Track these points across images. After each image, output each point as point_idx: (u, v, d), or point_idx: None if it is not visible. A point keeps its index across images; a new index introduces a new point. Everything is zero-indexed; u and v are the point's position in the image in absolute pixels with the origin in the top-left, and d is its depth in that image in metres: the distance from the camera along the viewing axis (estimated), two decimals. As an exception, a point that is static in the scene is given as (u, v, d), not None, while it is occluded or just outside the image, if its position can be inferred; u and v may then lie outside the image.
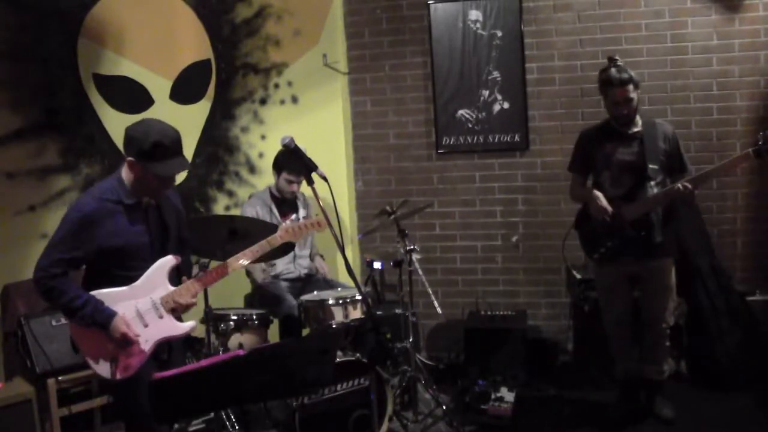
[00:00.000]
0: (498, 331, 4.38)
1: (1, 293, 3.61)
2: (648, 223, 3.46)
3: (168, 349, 2.77)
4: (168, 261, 2.73)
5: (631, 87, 3.40)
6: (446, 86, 4.87)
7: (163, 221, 2.77)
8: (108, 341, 2.60)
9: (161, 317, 2.69)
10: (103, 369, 2.61)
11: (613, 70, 3.44)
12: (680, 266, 3.68)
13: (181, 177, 4.33)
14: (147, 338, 2.65)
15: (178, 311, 2.74)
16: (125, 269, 2.65)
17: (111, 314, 2.58)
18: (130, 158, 2.59)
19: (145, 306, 2.67)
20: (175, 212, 2.86)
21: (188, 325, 2.76)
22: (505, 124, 4.82)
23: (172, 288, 2.72)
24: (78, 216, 2.56)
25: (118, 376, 2.60)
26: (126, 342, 2.60)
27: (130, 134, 2.59)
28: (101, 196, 2.61)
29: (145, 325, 2.65)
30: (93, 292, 2.60)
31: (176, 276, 2.79)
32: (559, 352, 4.68)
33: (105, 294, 2.61)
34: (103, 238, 2.57)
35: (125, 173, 2.64)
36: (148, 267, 2.69)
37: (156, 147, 2.53)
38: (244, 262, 2.85)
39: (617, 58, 3.52)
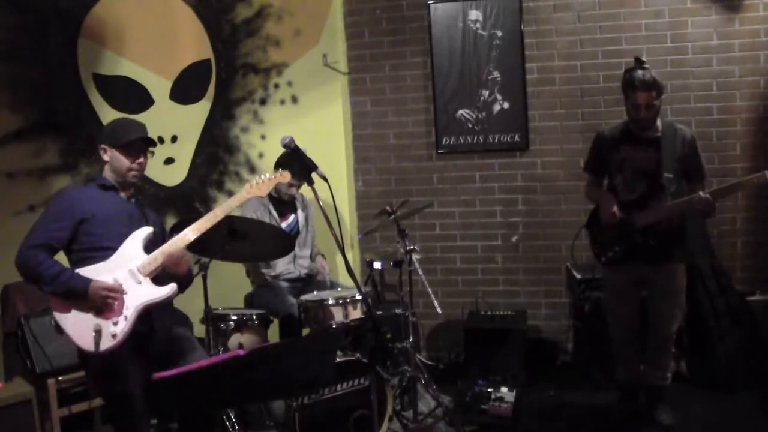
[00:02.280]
0: (498, 331, 4.38)
1: (1, 293, 3.61)
2: (658, 231, 3.40)
3: (147, 325, 2.77)
4: (141, 231, 2.82)
5: (653, 93, 3.29)
6: (446, 86, 4.87)
7: (143, 211, 2.92)
8: (90, 311, 2.64)
9: (139, 283, 2.73)
10: (86, 342, 2.62)
11: (639, 72, 3.33)
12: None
13: (180, 177, 4.34)
14: (127, 305, 2.68)
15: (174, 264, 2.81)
16: (103, 240, 2.74)
17: (87, 281, 2.65)
18: (102, 146, 2.86)
19: (123, 275, 2.72)
20: (158, 226, 3.00)
21: (168, 287, 2.77)
22: (505, 124, 4.82)
23: (147, 255, 2.78)
24: (60, 197, 2.82)
25: (103, 347, 2.61)
26: (111, 296, 2.63)
27: (100, 131, 3.01)
28: (82, 184, 2.94)
29: (125, 293, 2.70)
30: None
31: (153, 247, 2.84)
32: (559, 352, 4.69)
33: (83, 271, 2.69)
34: (82, 210, 2.73)
35: (104, 170, 2.89)
36: (123, 241, 2.78)
37: (117, 126, 2.88)
38: (216, 215, 2.87)
39: (644, 59, 3.40)
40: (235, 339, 3.63)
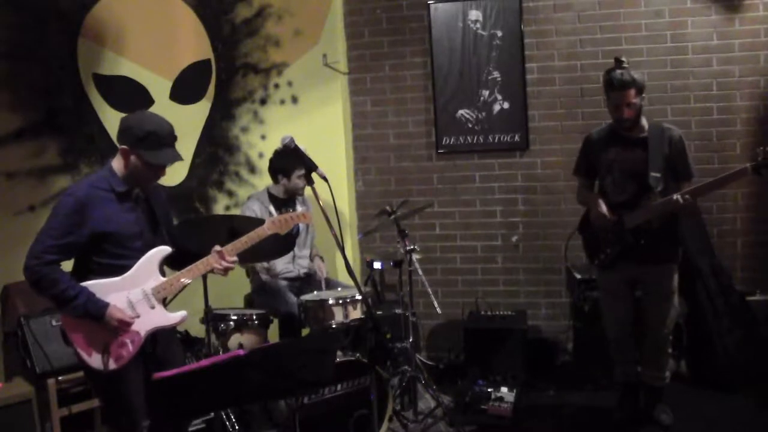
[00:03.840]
0: (498, 331, 4.37)
1: (1, 293, 3.61)
2: (649, 231, 3.40)
3: (152, 344, 2.75)
4: (160, 251, 2.74)
5: (632, 91, 3.30)
6: (446, 86, 4.87)
7: (153, 212, 2.79)
8: (100, 331, 2.60)
9: (153, 307, 2.69)
10: (94, 360, 2.61)
11: (617, 72, 3.34)
12: (680, 266, 3.66)
13: (179, 177, 4.34)
14: (138, 329, 2.65)
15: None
16: (115, 258, 2.65)
17: (104, 305, 2.58)
18: (123, 146, 2.64)
19: (137, 296, 2.67)
20: (163, 207, 2.90)
21: (179, 315, 2.76)
22: (505, 124, 4.82)
23: (163, 279, 2.72)
24: (70, 201, 2.58)
25: (111, 367, 2.60)
26: (124, 327, 2.60)
27: (125, 123, 2.66)
28: (92, 183, 2.65)
29: (137, 316, 2.66)
30: (84, 283, 2.60)
31: (178, 264, 2.80)
32: (559, 352, 4.69)
33: (96, 285, 2.61)
34: (95, 223, 2.58)
35: (116, 163, 2.69)
36: (137, 257, 2.69)
37: (150, 135, 2.60)
38: (233, 254, 2.84)
39: (623, 59, 3.42)
40: (235, 339, 3.63)
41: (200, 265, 2.77)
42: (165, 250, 2.75)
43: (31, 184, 3.71)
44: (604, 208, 3.45)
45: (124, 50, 4.04)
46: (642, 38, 4.58)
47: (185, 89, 4.33)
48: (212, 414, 3.52)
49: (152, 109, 4.12)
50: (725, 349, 4.06)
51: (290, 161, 4.08)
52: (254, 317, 3.70)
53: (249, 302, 4.21)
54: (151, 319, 2.69)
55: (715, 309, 4.12)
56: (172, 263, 2.83)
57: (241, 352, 2.21)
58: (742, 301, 4.20)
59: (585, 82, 4.68)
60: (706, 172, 3.49)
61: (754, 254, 4.57)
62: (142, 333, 2.67)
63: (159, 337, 2.78)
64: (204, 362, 2.26)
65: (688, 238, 4.10)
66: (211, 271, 2.82)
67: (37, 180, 3.73)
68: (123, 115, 3.95)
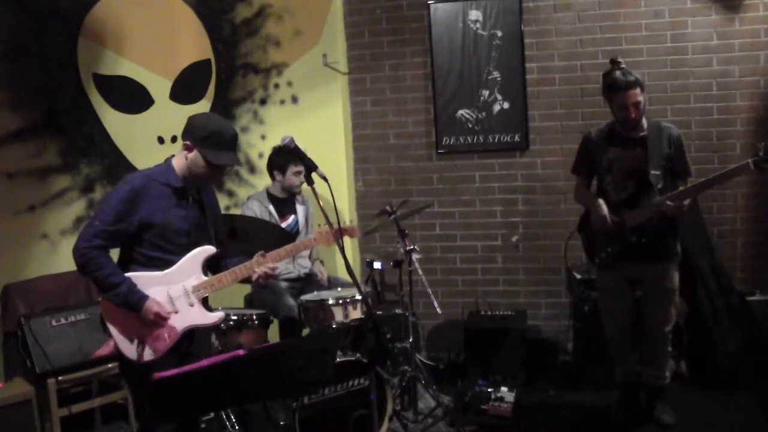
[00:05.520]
0: (498, 331, 4.38)
1: (1, 293, 3.61)
2: (649, 229, 3.41)
3: (189, 341, 2.78)
4: (205, 250, 2.78)
5: (638, 90, 3.32)
6: (446, 86, 4.87)
7: (203, 213, 2.83)
8: (138, 323, 2.64)
9: (192, 305, 2.73)
10: (129, 351, 2.65)
11: (618, 73, 3.35)
12: (680, 266, 3.67)
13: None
14: (175, 325, 2.70)
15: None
16: (159, 251, 2.69)
17: (143, 297, 2.63)
18: (186, 142, 2.69)
19: (177, 292, 2.71)
20: (214, 210, 2.94)
21: (217, 315, 2.82)
22: (505, 124, 4.82)
23: (205, 278, 2.76)
24: (125, 189, 2.65)
25: (144, 359, 2.64)
26: (160, 321, 2.64)
27: (190, 121, 2.74)
28: (150, 175, 2.71)
29: (175, 311, 2.69)
30: (127, 274, 2.64)
31: (214, 267, 2.84)
32: (559, 352, 4.69)
33: (138, 276, 2.66)
34: (145, 213, 2.63)
35: (177, 159, 2.75)
36: (182, 254, 2.73)
37: (214, 134, 2.67)
38: (275, 261, 2.89)
39: (620, 60, 3.44)
40: (235, 339, 3.63)
41: (242, 269, 2.81)
42: (210, 249, 2.79)
43: (31, 184, 3.71)
44: (605, 210, 3.45)
45: (124, 50, 4.04)
46: (642, 38, 4.58)
47: (185, 89, 4.33)
48: (212, 414, 3.53)
49: (152, 109, 4.15)
50: (725, 350, 4.06)
51: (285, 157, 4.10)
52: (254, 317, 3.70)
53: (249, 302, 4.21)
54: (188, 316, 2.73)
55: (715, 309, 4.12)
56: (209, 265, 2.87)
57: (241, 352, 2.21)
58: (742, 301, 4.20)
59: (585, 82, 4.67)
60: (706, 172, 3.49)
61: (754, 254, 4.57)
62: (179, 329, 2.71)
63: (196, 335, 2.81)
64: (204, 362, 2.26)
65: (688, 237, 4.10)
66: (249, 277, 2.86)
67: (37, 180, 3.73)
68: (123, 115, 4.03)
